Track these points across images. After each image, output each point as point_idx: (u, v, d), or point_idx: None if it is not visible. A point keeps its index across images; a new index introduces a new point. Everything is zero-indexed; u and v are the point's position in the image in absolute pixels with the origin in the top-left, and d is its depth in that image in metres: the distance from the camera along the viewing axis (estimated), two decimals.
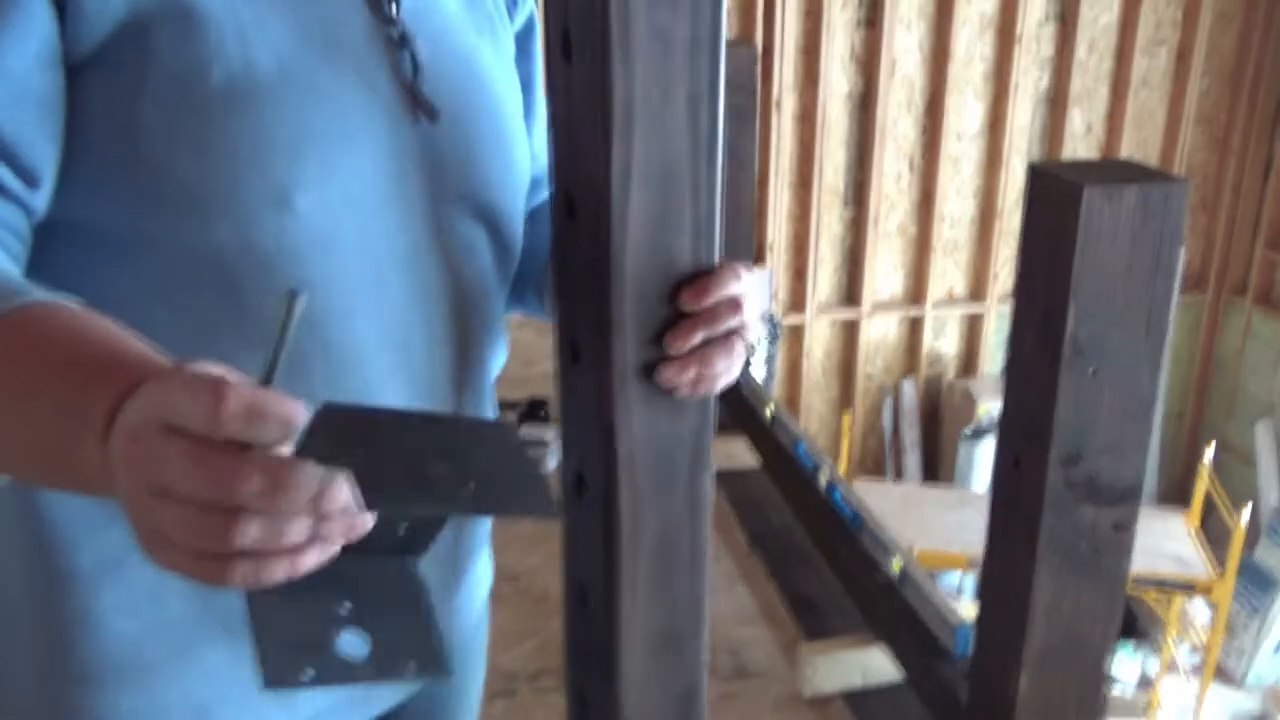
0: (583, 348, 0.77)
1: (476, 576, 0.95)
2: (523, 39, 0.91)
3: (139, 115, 0.65)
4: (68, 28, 0.63)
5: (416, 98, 0.74)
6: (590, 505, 0.81)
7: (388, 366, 0.76)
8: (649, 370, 0.71)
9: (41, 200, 0.66)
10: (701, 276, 0.70)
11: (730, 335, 0.71)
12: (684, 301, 0.69)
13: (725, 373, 0.72)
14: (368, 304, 0.74)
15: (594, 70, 0.72)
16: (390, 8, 0.74)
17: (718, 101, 0.76)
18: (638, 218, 0.74)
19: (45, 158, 0.65)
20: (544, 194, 0.98)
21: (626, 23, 0.71)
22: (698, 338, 0.69)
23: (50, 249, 0.69)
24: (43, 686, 0.77)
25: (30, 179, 0.65)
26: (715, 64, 0.75)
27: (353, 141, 0.70)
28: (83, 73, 0.65)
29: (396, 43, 0.73)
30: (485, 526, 0.96)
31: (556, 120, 0.74)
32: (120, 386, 0.52)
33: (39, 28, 0.62)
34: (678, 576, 0.80)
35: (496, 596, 1.03)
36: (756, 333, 0.77)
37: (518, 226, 0.86)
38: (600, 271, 0.74)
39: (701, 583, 0.84)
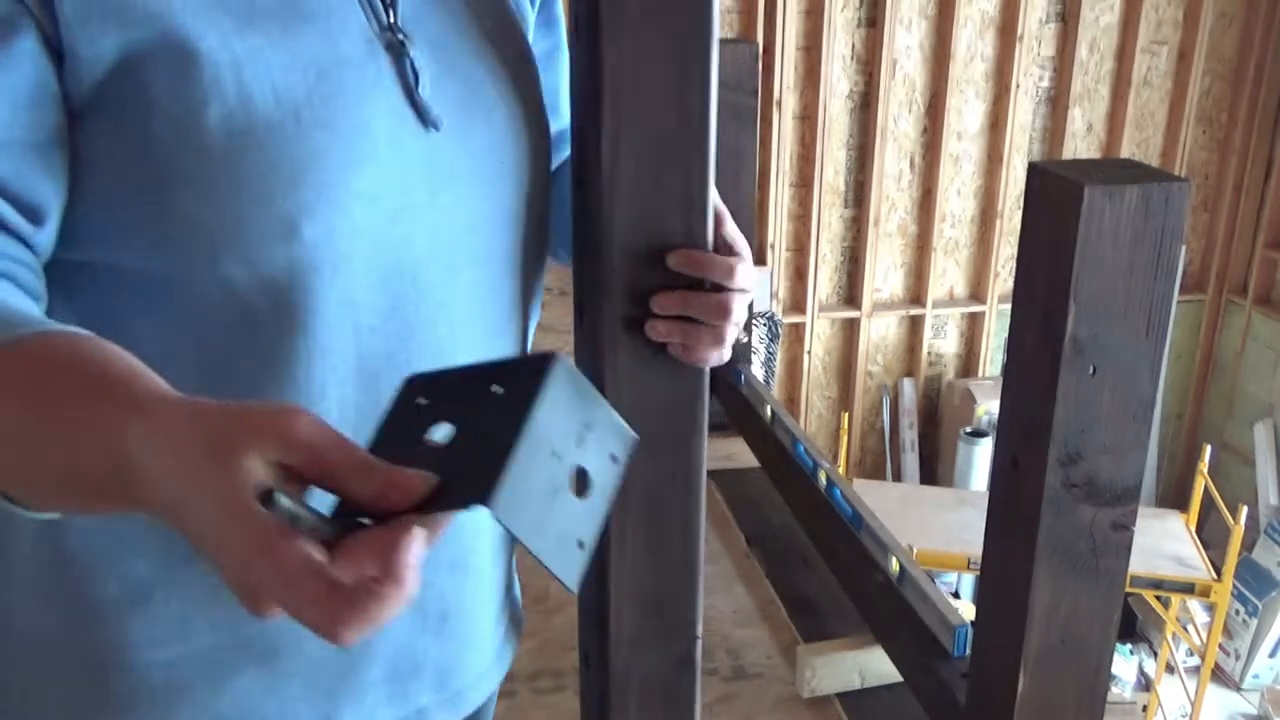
0: (584, 308, 0.81)
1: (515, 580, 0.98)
2: (546, 3, 0.90)
3: (139, 157, 0.65)
4: (66, 73, 0.63)
5: (418, 107, 0.72)
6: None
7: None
8: (639, 332, 0.73)
9: (46, 237, 0.67)
10: (696, 248, 0.73)
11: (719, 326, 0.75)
12: (670, 260, 0.73)
13: (713, 352, 0.76)
14: (380, 321, 0.73)
15: (590, 47, 0.76)
16: (387, 14, 0.72)
17: (708, 82, 0.78)
18: (627, 185, 0.78)
19: (47, 194, 0.65)
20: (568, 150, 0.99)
21: (618, 4, 0.74)
22: (676, 309, 0.73)
23: (69, 289, 0.69)
24: (72, 715, 0.78)
25: (34, 216, 0.65)
26: (705, 47, 0.78)
27: (356, 164, 0.69)
28: (84, 117, 0.65)
29: (396, 49, 0.72)
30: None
31: (572, 93, 0.79)
32: (118, 428, 0.51)
33: (28, 71, 0.62)
34: (668, 539, 0.81)
35: None
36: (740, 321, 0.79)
37: (543, 215, 0.85)
38: (595, 234, 0.78)
39: (694, 549, 0.85)
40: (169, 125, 0.64)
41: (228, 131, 0.64)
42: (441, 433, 0.52)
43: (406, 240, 0.73)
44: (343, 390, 0.73)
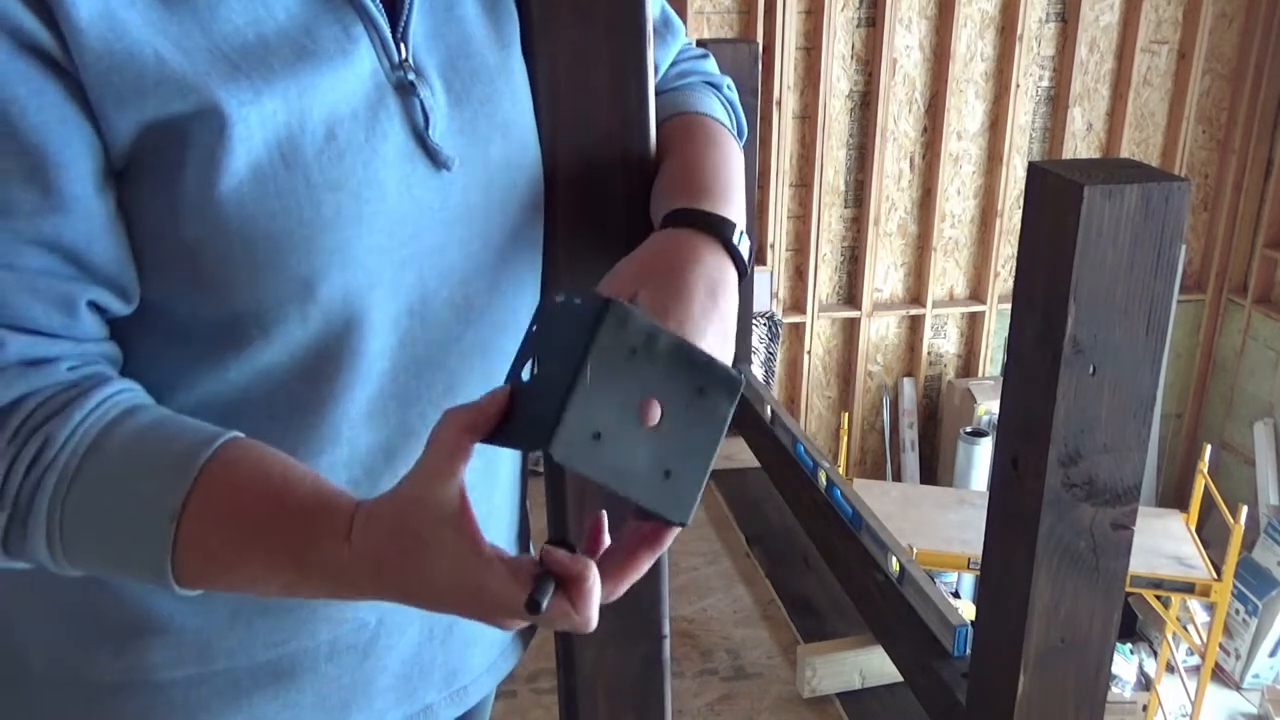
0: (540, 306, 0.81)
1: None
2: None
3: (164, 228, 0.65)
4: (106, 145, 0.63)
5: (429, 148, 0.70)
6: (548, 461, 0.84)
7: (415, 417, 0.76)
8: None
9: (132, 310, 0.68)
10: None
11: None
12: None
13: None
14: (390, 364, 0.73)
15: (526, 46, 0.76)
16: (398, 50, 0.69)
17: (645, 77, 0.77)
18: (566, 182, 0.78)
19: (134, 271, 0.66)
20: None
21: (549, 3, 0.75)
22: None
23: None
24: None
25: (128, 297, 0.66)
26: (640, 41, 0.77)
27: (367, 219, 0.68)
28: (119, 183, 0.65)
29: (406, 90, 0.69)
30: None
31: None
32: (334, 544, 0.61)
33: (97, 149, 0.62)
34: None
35: None
36: None
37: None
38: (546, 232, 0.79)
39: None
40: (183, 195, 0.64)
41: (240, 201, 0.64)
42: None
43: (418, 282, 0.72)
44: (354, 432, 0.74)
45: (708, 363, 0.59)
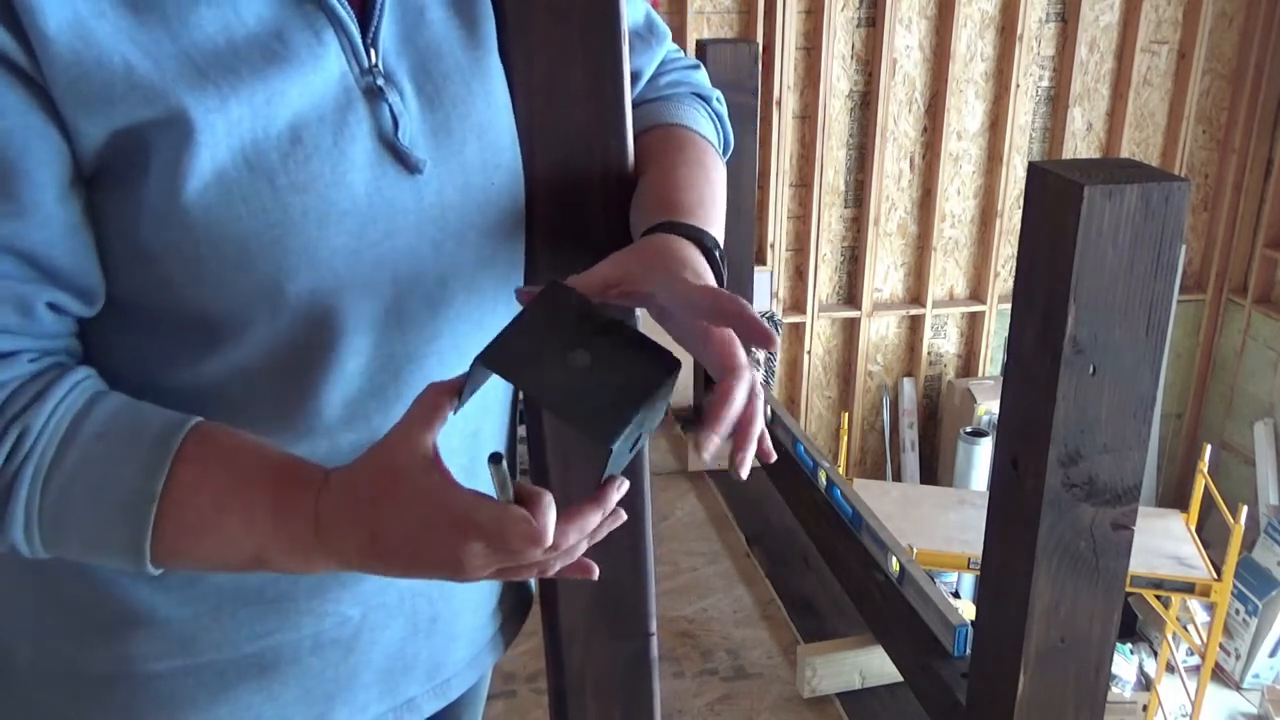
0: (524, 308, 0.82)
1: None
2: None
3: (133, 231, 0.65)
4: (75, 152, 0.63)
5: (399, 152, 0.71)
6: (534, 455, 0.84)
7: (395, 417, 0.76)
8: None
9: (96, 311, 0.69)
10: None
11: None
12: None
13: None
14: (366, 363, 0.73)
15: (501, 44, 0.76)
16: (368, 55, 0.70)
17: (621, 75, 0.78)
18: (544, 179, 0.78)
19: (99, 274, 0.67)
20: None
21: (523, 1, 0.75)
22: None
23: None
24: None
25: (91, 299, 0.67)
26: (615, 41, 0.78)
27: (335, 221, 0.68)
28: (88, 186, 0.66)
29: (375, 94, 0.70)
30: None
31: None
32: (310, 494, 0.64)
33: (62, 156, 0.62)
34: (614, 532, 0.81)
35: None
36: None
37: (521, 232, 0.85)
38: (526, 230, 0.79)
39: (642, 542, 0.85)
40: (152, 197, 0.64)
41: (205, 205, 0.64)
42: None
43: (393, 283, 0.72)
44: (333, 431, 0.74)
45: (637, 339, 0.67)
